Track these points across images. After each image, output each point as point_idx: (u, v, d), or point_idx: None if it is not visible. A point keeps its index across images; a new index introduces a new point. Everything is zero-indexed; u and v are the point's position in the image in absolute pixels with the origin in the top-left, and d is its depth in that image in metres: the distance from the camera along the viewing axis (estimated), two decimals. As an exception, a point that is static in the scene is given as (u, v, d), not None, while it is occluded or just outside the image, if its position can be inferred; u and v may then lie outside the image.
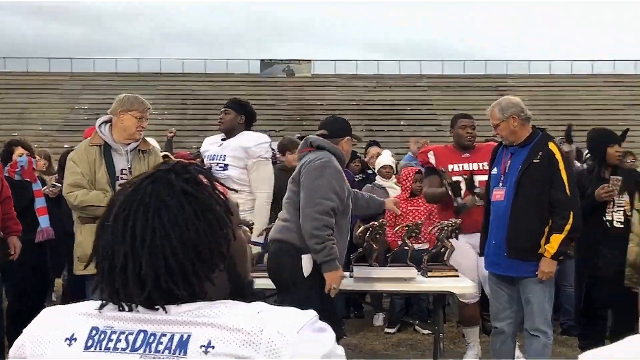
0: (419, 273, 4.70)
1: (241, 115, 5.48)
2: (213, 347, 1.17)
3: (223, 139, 5.51)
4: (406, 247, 4.98)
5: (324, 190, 3.98)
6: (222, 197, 1.30)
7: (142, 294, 1.21)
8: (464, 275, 4.88)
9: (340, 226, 4.10)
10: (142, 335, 1.21)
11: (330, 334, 1.23)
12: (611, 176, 5.30)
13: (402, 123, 34.14)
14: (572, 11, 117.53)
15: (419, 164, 6.56)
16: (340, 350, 1.24)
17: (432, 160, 5.60)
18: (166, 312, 1.21)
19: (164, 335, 1.19)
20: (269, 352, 1.16)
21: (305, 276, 4.00)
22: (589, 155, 6.90)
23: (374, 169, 7.58)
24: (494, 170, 4.59)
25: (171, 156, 6.09)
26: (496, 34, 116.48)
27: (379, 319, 7.13)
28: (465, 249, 5.17)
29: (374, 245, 4.82)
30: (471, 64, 41.43)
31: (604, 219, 5.35)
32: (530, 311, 4.40)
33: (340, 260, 4.11)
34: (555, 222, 4.28)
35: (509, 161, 4.47)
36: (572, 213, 4.26)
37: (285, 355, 1.16)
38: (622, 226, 5.32)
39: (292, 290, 4.02)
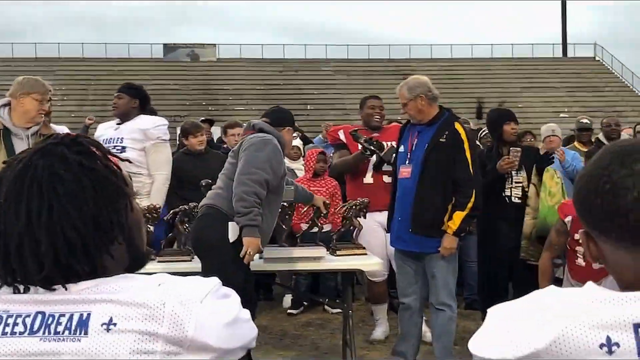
0: (328, 252, 4.75)
1: (135, 99, 5.45)
2: (115, 324, 1.14)
3: (118, 124, 5.46)
4: (315, 229, 5.04)
5: (261, 162, 4.06)
6: (116, 167, 1.27)
7: (40, 273, 1.17)
8: (373, 253, 4.96)
9: (270, 202, 4.16)
10: (40, 317, 1.16)
11: (234, 298, 1.22)
12: (511, 148, 5.48)
13: (308, 107, 34.25)
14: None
15: (329, 144, 6.61)
16: (245, 313, 1.23)
17: (342, 137, 5.66)
18: (66, 290, 1.17)
19: (63, 315, 1.16)
20: (173, 325, 1.14)
21: (230, 242, 4.03)
22: (484, 134, 7.15)
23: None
24: (401, 148, 4.69)
25: None
26: (400, 18, 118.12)
27: (288, 301, 7.17)
28: (374, 227, 5.25)
29: (283, 226, 4.84)
30: (375, 48, 41.97)
31: (503, 194, 5.54)
32: (435, 286, 4.53)
33: (267, 238, 4.22)
34: (457, 200, 4.41)
35: (416, 139, 4.57)
36: (474, 191, 4.40)
37: (189, 326, 1.14)
38: (520, 202, 5.54)
39: (210, 254, 4.06)
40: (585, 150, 6.99)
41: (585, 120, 7.66)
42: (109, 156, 1.28)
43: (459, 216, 4.38)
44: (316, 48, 42.21)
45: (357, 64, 39.42)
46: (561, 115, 31.58)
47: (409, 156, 4.58)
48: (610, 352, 1.02)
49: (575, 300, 1.07)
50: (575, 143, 7.59)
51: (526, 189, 5.54)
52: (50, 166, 1.20)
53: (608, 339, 1.02)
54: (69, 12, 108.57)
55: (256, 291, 7.26)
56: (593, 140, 7.41)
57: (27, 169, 1.20)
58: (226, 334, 1.18)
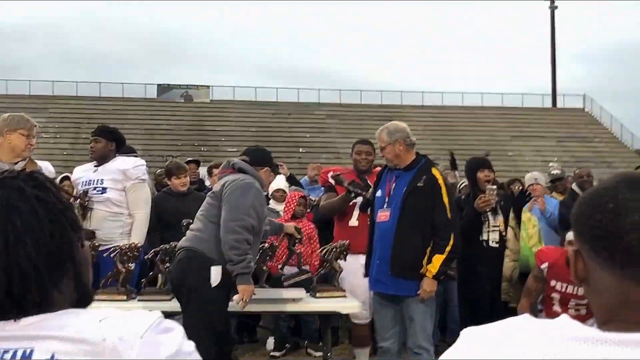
0: (308, 294, 4.77)
1: (112, 142, 5.59)
2: None
3: (96, 166, 5.57)
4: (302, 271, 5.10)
5: (247, 207, 4.11)
6: (69, 203, 1.31)
7: None
8: (356, 295, 4.99)
9: (252, 245, 4.20)
10: None
11: (177, 332, 1.22)
12: (487, 186, 5.50)
13: (300, 150, 34.40)
14: (463, 44, 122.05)
15: (312, 188, 6.67)
16: (188, 346, 1.22)
17: (331, 179, 5.73)
18: (15, 322, 1.19)
19: (7, 351, 1.16)
20: (114, 358, 1.14)
21: (212, 286, 4.05)
22: (463, 185, 7.23)
23: (268, 192, 7.63)
24: (378, 193, 4.76)
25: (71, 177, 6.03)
26: (392, 64, 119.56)
27: (271, 343, 7.14)
28: (358, 269, 5.27)
29: (264, 267, 4.87)
30: (367, 94, 42.30)
31: (481, 239, 5.59)
32: (413, 329, 4.55)
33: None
34: (436, 243, 4.46)
35: (394, 184, 4.64)
36: (452, 235, 4.46)
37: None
38: (497, 246, 5.57)
39: (192, 297, 4.08)
40: (562, 198, 7.07)
41: (556, 171, 7.75)
42: (61, 192, 1.32)
43: (438, 259, 4.43)
44: (309, 92, 42.34)
45: (349, 109, 39.71)
46: (550, 164, 31.78)
47: (387, 200, 4.64)
48: None
49: (547, 334, 1.07)
50: (553, 193, 7.67)
51: (503, 233, 5.58)
52: (7, 197, 1.23)
53: None
54: (64, 50, 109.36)
55: (240, 334, 7.26)
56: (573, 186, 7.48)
57: None
58: None
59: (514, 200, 5.74)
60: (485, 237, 5.57)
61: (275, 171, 8.40)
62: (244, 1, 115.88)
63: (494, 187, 5.52)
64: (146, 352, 1.15)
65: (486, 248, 5.57)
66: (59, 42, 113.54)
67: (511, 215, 5.61)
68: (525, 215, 5.65)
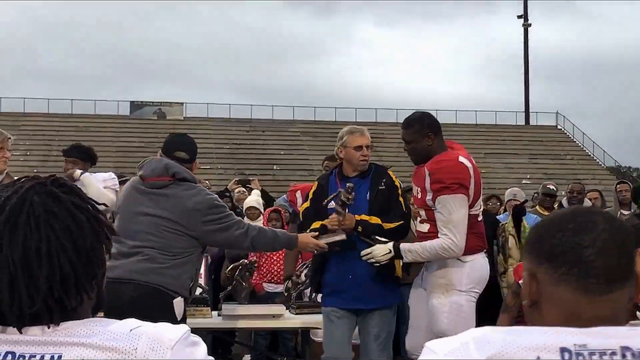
0: (288, 310, 4.73)
1: (88, 163, 5.59)
2: None
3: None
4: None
5: (227, 212, 3.86)
6: (101, 208, 1.34)
7: (32, 307, 1.18)
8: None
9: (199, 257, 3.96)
10: (9, 357, 1.17)
11: (203, 347, 1.25)
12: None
13: (275, 167, 34.38)
14: (437, 62, 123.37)
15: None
16: None
17: (298, 200, 5.71)
18: (48, 328, 1.19)
19: (34, 356, 1.17)
20: None
21: (178, 319, 3.65)
22: None
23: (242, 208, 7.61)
24: (332, 205, 4.35)
25: None
26: (366, 81, 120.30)
27: (247, 360, 7.07)
28: None
29: (243, 284, 4.82)
30: (342, 111, 42.45)
31: None
32: (368, 343, 4.37)
33: (186, 286, 3.82)
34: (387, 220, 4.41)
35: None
36: (402, 223, 4.36)
37: None
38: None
39: None
40: (546, 214, 7.16)
41: (551, 187, 7.82)
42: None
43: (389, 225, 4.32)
44: (283, 109, 42.41)
45: (324, 126, 39.79)
46: (523, 181, 32.07)
47: (347, 210, 4.30)
48: None
49: (510, 330, 1.24)
50: (538, 207, 7.72)
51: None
52: (43, 203, 1.23)
53: (538, 358, 1.18)
54: (36, 67, 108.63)
55: (214, 350, 7.16)
56: (556, 206, 7.54)
57: (22, 204, 1.23)
58: None
59: (515, 212, 6.02)
60: None
61: (247, 187, 8.35)
62: (217, 19, 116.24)
63: None
64: None
65: None
66: (30, 59, 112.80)
67: (510, 221, 5.74)
68: (524, 222, 5.95)
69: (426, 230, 4.20)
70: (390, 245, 4.14)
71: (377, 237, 4.22)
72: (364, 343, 4.36)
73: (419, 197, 4.22)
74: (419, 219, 4.23)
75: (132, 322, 1.23)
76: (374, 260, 4.13)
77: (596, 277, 1.24)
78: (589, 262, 1.24)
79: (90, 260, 1.24)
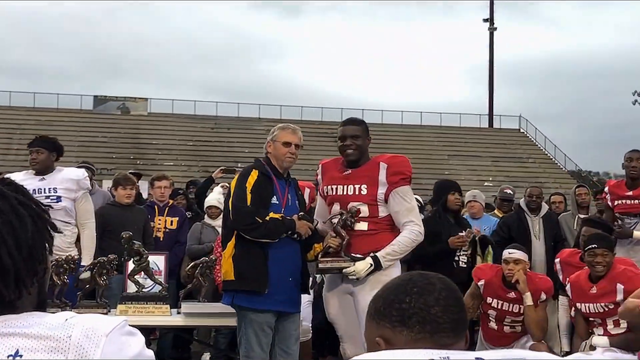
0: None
1: (53, 153, 5.55)
2: (21, 356, 1.17)
3: (38, 174, 5.47)
4: None
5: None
6: (46, 207, 1.36)
7: None
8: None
9: None
10: None
11: (140, 337, 1.26)
12: (468, 229, 5.98)
13: (239, 165, 34.23)
14: (403, 63, 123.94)
15: None
16: (150, 353, 1.27)
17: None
18: None
19: None
20: (78, 355, 1.17)
21: None
22: (427, 205, 7.55)
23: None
24: (274, 199, 4.30)
25: None
26: (333, 81, 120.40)
27: (206, 359, 7.03)
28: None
29: (203, 282, 4.80)
30: (308, 110, 42.43)
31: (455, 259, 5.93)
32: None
33: None
34: None
35: (288, 194, 4.43)
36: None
37: (94, 357, 1.17)
38: (465, 266, 5.92)
39: None
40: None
41: (508, 191, 7.97)
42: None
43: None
44: (249, 107, 42.19)
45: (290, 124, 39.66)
46: (485, 183, 32.39)
47: (282, 210, 4.27)
48: None
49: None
50: (496, 210, 7.85)
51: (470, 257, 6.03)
52: None
53: None
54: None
55: (173, 348, 7.12)
56: (513, 209, 7.66)
57: None
58: None
59: (481, 241, 6.16)
60: (456, 258, 5.92)
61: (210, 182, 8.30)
62: (184, 15, 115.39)
63: (473, 230, 6.06)
64: (111, 350, 1.19)
65: (456, 268, 5.85)
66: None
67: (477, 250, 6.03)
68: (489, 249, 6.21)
69: (366, 229, 4.27)
70: (369, 260, 4.20)
71: (353, 254, 4.29)
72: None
73: (365, 192, 4.28)
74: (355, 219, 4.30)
75: (67, 314, 1.25)
76: (355, 277, 4.20)
77: (444, 330, 1.43)
78: (437, 319, 1.43)
79: (31, 256, 1.26)
